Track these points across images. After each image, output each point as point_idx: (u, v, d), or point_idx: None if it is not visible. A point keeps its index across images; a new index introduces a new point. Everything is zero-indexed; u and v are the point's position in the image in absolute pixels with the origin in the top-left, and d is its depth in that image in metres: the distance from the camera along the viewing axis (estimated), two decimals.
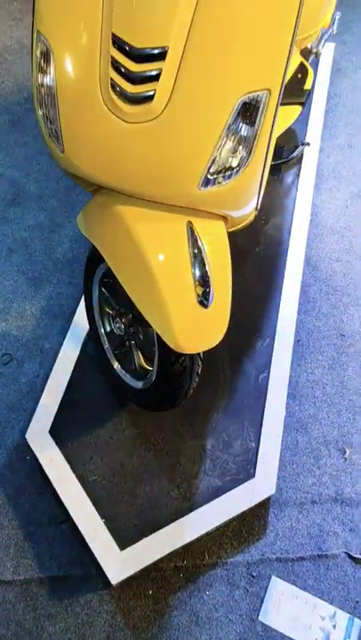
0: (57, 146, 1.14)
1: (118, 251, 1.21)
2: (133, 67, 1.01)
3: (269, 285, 1.94)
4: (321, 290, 1.97)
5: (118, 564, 1.35)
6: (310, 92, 2.07)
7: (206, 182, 1.10)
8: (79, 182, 1.26)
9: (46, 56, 1.07)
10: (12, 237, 2.11)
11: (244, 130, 1.07)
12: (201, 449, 1.55)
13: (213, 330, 1.19)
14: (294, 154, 2.18)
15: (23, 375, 1.73)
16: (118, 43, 1.01)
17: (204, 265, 1.14)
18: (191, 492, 1.48)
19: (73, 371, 1.70)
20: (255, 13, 0.99)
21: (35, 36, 1.10)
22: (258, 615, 1.33)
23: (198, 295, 1.14)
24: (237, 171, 1.12)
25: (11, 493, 1.50)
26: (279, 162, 2.05)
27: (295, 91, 2.01)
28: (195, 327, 1.15)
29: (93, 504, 1.44)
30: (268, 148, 1.15)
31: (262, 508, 1.48)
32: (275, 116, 1.11)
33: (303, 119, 2.47)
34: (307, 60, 2.03)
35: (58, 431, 1.57)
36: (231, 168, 1.11)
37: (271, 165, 1.25)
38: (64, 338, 1.78)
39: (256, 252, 2.04)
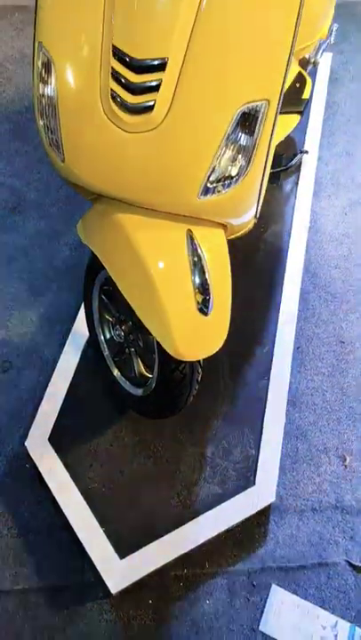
0: (57, 155, 1.15)
1: (118, 258, 1.22)
2: (133, 77, 1.02)
3: (269, 292, 1.94)
4: (320, 297, 1.97)
5: (118, 572, 1.35)
6: (308, 101, 2.09)
7: (206, 191, 1.11)
8: (79, 191, 1.26)
9: (47, 67, 1.08)
10: (12, 245, 2.12)
11: (243, 139, 1.08)
12: (201, 456, 1.55)
13: (213, 337, 1.20)
14: (293, 162, 2.19)
15: (23, 382, 1.73)
16: (118, 54, 1.02)
17: (203, 272, 1.15)
18: (191, 499, 1.47)
19: (73, 378, 1.70)
20: (254, 25, 1.01)
21: (36, 46, 1.11)
22: (258, 625, 1.32)
23: (198, 303, 1.14)
24: (237, 179, 1.13)
25: (10, 501, 1.49)
26: (278, 170, 2.07)
27: (294, 100, 2.03)
28: (195, 334, 1.16)
29: (93, 512, 1.43)
30: (267, 156, 1.17)
31: (263, 515, 1.47)
32: (274, 126, 1.12)
33: (302, 128, 2.49)
34: (305, 69, 2.05)
35: (57, 439, 1.57)
36: (231, 177, 1.12)
37: (270, 173, 1.26)
38: (64, 345, 1.78)
39: (255, 260, 2.05)
